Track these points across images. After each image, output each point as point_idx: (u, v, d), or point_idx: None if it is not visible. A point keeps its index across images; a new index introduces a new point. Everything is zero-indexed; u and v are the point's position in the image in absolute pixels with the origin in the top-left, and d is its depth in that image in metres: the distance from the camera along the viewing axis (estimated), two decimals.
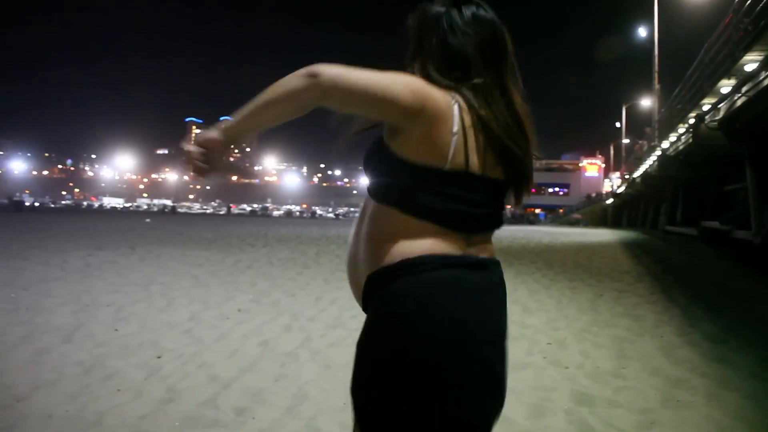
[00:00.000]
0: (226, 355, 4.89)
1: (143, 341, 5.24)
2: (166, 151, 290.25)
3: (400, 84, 1.45)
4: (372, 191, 1.58)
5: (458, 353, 1.38)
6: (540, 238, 25.11)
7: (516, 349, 5.19)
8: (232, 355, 4.86)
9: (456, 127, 1.48)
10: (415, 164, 1.48)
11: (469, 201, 1.51)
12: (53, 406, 3.62)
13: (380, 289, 1.46)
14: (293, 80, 1.40)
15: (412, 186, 1.49)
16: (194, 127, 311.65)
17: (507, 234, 29.59)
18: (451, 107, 1.50)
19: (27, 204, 63.95)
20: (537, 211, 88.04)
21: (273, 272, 10.39)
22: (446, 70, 1.59)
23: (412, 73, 1.62)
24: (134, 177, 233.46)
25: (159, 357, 4.77)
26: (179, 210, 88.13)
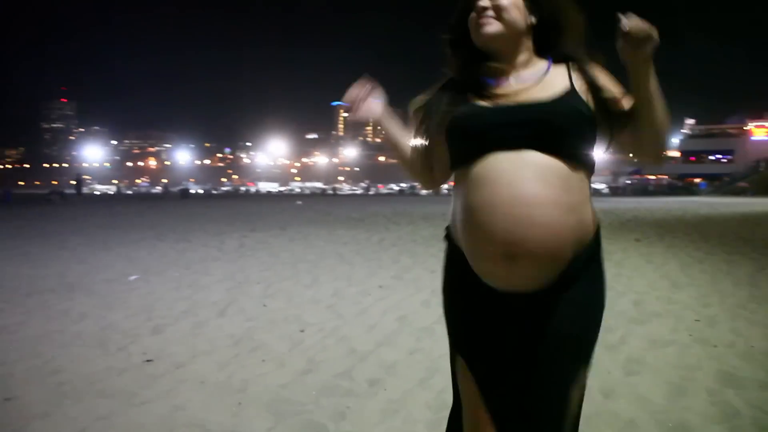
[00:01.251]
0: (364, 329, 5.06)
1: (288, 316, 5.55)
2: (315, 136, 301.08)
3: None
4: (575, 154, 1.64)
5: None
6: (697, 209, 23.58)
7: (659, 326, 4.96)
8: (371, 330, 5.03)
9: None
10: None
11: None
12: (206, 374, 3.94)
13: (600, 245, 1.71)
14: (666, 117, 1.65)
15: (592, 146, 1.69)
16: (341, 110, 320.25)
17: (661, 205, 28.10)
18: None
19: (192, 191, 68.94)
20: (697, 180, 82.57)
21: (416, 249, 10.55)
22: None
23: None
24: (287, 162, 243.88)
25: (302, 331, 5.02)
26: (329, 192, 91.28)
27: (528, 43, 1.76)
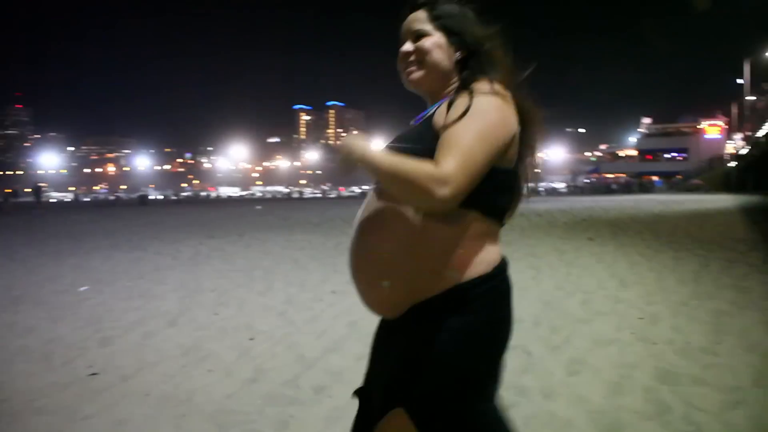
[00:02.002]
0: (314, 335, 5.07)
1: (239, 324, 5.52)
2: (277, 139, 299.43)
3: (501, 127, 1.57)
4: None
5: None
6: (651, 208, 24.01)
7: (604, 325, 5.08)
8: (320, 336, 5.04)
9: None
10: (497, 168, 1.57)
11: (514, 194, 1.72)
12: (152, 385, 3.92)
13: (485, 293, 1.59)
14: (421, 182, 1.43)
15: (490, 188, 1.56)
16: (302, 113, 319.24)
17: (616, 204, 28.56)
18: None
19: (151, 198, 67.97)
20: (653, 178, 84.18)
21: None
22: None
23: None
24: (248, 166, 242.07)
25: (252, 339, 5.01)
26: (294, 196, 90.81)
27: (450, 76, 1.75)
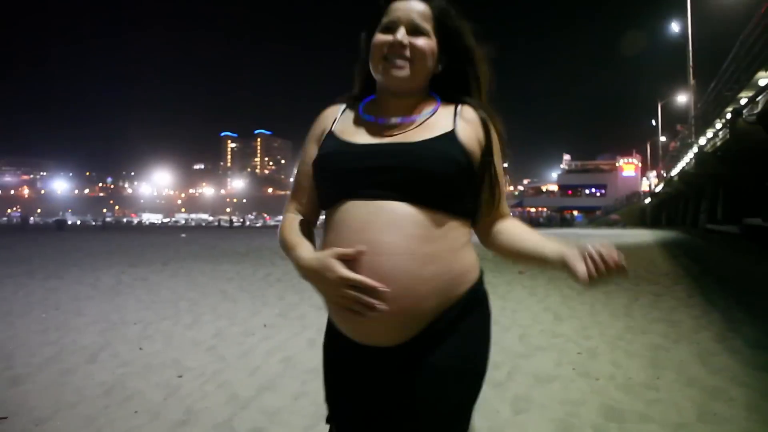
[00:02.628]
0: (247, 372, 4.81)
1: (166, 360, 5.21)
2: (202, 166, 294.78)
3: None
4: (440, 201, 1.52)
5: None
6: (575, 242, 24.67)
7: (545, 360, 5.02)
8: (253, 373, 4.79)
9: None
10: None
11: None
12: (71, 430, 3.59)
13: (482, 299, 1.62)
14: None
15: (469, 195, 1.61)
16: (229, 141, 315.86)
17: None
18: None
19: (69, 223, 65.37)
20: (574, 213, 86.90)
21: (302, 285, 10.19)
22: None
23: None
24: (172, 192, 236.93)
25: (180, 376, 4.72)
26: (225, 224, 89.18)
27: (426, 85, 1.67)
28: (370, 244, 1.44)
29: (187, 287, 10.04)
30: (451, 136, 1.56)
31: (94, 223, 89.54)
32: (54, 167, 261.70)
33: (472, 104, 1.65)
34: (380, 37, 1.60)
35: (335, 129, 1.63)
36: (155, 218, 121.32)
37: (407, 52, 1.57)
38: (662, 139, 63.25)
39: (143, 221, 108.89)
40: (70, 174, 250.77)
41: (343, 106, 1.71)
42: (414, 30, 1.59)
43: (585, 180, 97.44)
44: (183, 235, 35.50)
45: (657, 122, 63.66)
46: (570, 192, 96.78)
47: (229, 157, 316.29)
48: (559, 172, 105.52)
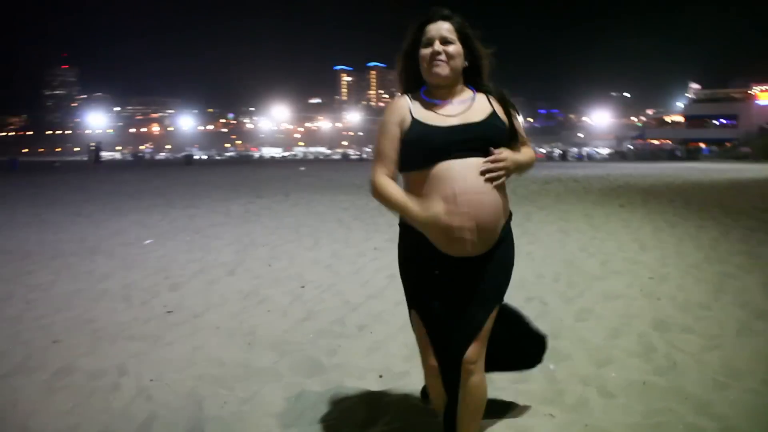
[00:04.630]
0: (358, 285, 5.74)
1: (291, 274, 6.23)
2: (318, 100, 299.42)
3: None
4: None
5: None
6: (689, 176, 24.10)
7: (617, 282, 5.63)
8: (363, 285, 5.71)
9: None
10: None
11: None
12: (220, 321, 4.64)
13: (510, 227, 2.48)
14: (532, 165, 2.55)
15: None
16: (343, 74, 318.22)
17: (656, 171, 28.60)
18: None
19: (196, 157, 69.42)
20: (701, 145, 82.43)
21: None
22: None
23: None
24: (290, 126, 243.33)
25: (303, 286, 5.71)
26: (333, 157, 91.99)
27: (461, 78, 2.43)
28: (472, 185, 2.25)
29: (307, 215, 11.18)
30: (496, 116, 2.37)
31: (218, 158, 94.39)
32: (179, 105, 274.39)
33: (494, 92, 2.45)
34: (424, 51, 2.36)
35: (416, 115, 2.38)
36: (275, 152, 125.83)
37: (444, 57, 2.34)
38: None
39: (263, 155, 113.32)
40: (195, 111, 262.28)
41: (407, 97, 2.46)
42: (445, 41, 2.35)
43: (714, 110, 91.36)
44: (302, 168, 37.23)
45: None
46: (697, 123, 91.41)
47: (344, 90, 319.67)
48: (685, 101, 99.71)
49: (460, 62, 2.37)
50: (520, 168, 2.39)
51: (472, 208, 2.21)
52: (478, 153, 2.28)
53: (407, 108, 2.40)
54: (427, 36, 2.37)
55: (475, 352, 2.34)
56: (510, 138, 2.38)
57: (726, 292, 5.24)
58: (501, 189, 2.32)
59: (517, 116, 2.45)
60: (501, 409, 3.00)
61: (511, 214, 2.45)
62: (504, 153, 2.29)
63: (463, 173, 2.24)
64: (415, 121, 2.36)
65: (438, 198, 2.23)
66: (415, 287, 2.46)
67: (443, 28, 2.36)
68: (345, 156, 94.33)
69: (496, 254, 2.36)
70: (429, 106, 2.40)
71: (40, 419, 3.00)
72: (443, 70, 2.34)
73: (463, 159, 2.26)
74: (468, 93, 2.44)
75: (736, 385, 3.24)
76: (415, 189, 2.33)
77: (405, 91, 2.48)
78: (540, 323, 4.41)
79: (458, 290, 2.35)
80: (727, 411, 2.94)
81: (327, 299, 5.26)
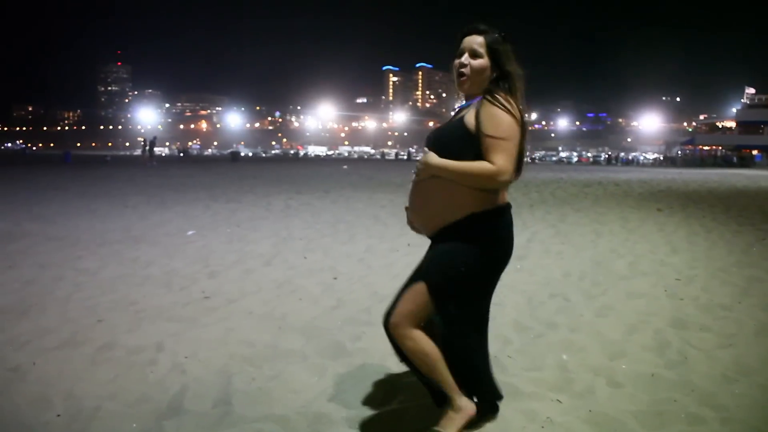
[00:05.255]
0: (388, 278, 5.93)
1: (324, 266, 6.46)
2: (365, 100, 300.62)
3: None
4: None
5: None
6: (735, 183, 23.67)
7: (643, 283, 5.70)
8: (394, 278, 5.88)
9: None
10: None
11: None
12: (253, 307, 4.87)
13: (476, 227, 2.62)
14: (482, 177, 2.42)
15: None
16: (391, 74, 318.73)
17: (701, 177, 28.15)
18: None
19: (242, 154, 70.52)
20: (754, 152, 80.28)
21: None
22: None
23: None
24: (336, 126, 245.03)
25: (335, 278, 5.92)
26: (376, 156, 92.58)
27: (486, 88, 2.56)
28: (413, 177, 2.65)
29: (346, 212, 11.44)
30: (459, 120, 2.54)
31: (264, 155, 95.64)
32: (227, 102, 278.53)
33: (485, 97, 2.52)
34: (455, 61, 2.60)
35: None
36: (320, 150, 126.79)
37: (467, 69, 2.55)
38: None
39: (308, 153, 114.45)
40: (242, 109, 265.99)
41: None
42: (474, 54, 2.55)
43: None
44: (345, 167, 37.58)
45: None
46: (750, 129, 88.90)
47: (390, 90, 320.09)
48: (739, 107, 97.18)
49: (484, 76, 2.55)
50: (445, 173, 2.47)
51: (409, 195, 2.71)
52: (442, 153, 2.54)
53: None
54: (461, 47, 2.59)
55: (397, 312, 2.69)
56: (471, 142, 2.47)
57: (751, 294, 5.28)
58: (440, 185, 2.51)
59: (498, 127, 2.44)
60: (509, 393, 3.15)
61: (486, 214, 2.52)
62: (428, 156, 2.52)
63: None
64: None
65: None
66: None
67: (475, 41, 2.56)
68: (382, 154, 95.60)
69: (442, 242, 2.60)
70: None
71: (83, 387, 3.26)
72: (464, 84, 2.58)
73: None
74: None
75: (744, 381, 3.34)
76: None
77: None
78: (560, 317, 4.60)
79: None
80: (730, 403, 3.04)
81: (357, 290, 5.46)
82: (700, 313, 4.70)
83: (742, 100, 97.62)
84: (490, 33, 2.56)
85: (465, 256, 2.54)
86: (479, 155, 2.44)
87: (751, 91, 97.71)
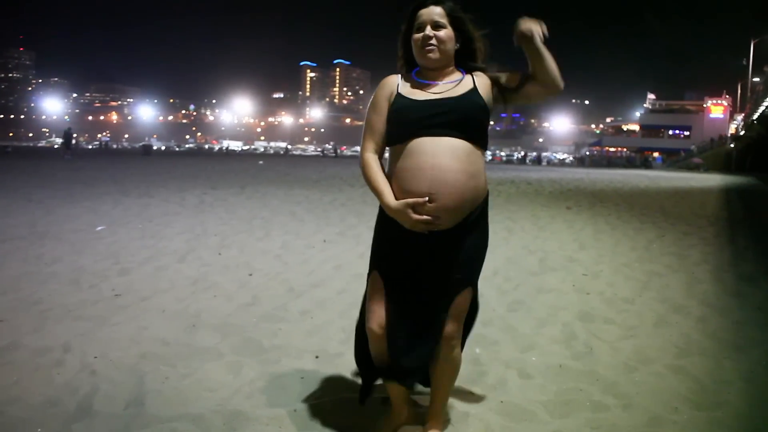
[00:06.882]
0: (304, 274, 5.92)
1: (239, 263, 6.37)
2: (281, 95, 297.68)
3: None
4: (474, 135, 2.48)
5: None
6: (638, 183, 24.84)
7: (552, 278, 5.92)
8: (309, 275, 5.89)
9: None
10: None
11: None
12: (166, 305, 4.76)
13: (487, 206, 2.58)
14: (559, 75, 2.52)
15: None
16: (308, 70, 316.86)
17: (607, 177, 29.39)
18: None
19: (155, 148, 68.53)
20: (655, 154, 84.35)
21: (364, 209, 11.42)
22: None
23: None
24: (252, 120, 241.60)
25: (250, 274, 5.86)
26: (293, 152, 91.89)
27: (452, 60, 2.57)
28: (438, 164, 2.38)
29: (261, 208, 11.31)
30: (474, 91, 2.49)
31: (177, 149, 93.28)
32: (139, 94, 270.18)
33: (481, 70, 2.58)
34: (416, 35, 2.50)
35: (401, 91, 2.53)
36: (235, 145, 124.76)
37: (434, 41, 2.48)
38: (755, 80, 60.44)
39: (224, 148, 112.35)
40: (155, 101, 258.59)
41: (399, 75, 2.61)
42: (436, 25, 2.48)
43: (669, 120, 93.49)
44: (261, 162, 37.15)
45: (748, 62, 60.83)
46: (652, 132, 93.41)
47: (308, 86, 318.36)
48: (641, 111, 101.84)
49: (450, 46, 2.50)
50: (541, 50, 2.42)
51: (434, 186, 2.34)
52: (455, 131, 2.40)
53: (396, 84, 2.55)
54: (419, 20, 2.50)
55: (452, 329, 2.52)
56: (487, 114, 2.50)
57: (651, 288, 5.58)
58: (473, 169, 2.41)
59: (503, 74, 2.57)
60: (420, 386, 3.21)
61: (488, 194, 2.56)
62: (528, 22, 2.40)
63: (433, 150, 2.37)
64: (399, 95, 2.51)
65: (406, 172, 2.40)
66: (381, 252, 2.60)
67: (435, 12, 2.48)
68: (286, 150, 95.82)
69: (467, 235, 2.47)
70: (417, 85, 2.54)
71: None
72: (434, 54, 2.48)
73: (439, 137, 2.39)
74: (457, 74, 2.57)
75: (644, 369, 3.53)
76: (395, 163, 2.47)
77: (400, 72, 2.63)
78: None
79: (428, 263, 2.47)
80: (631, 390, 3.21)
81: (273, 287, 5.42)
82: (605, 306, 4.93)
83: (645, 105, 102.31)
84: (447, 2, 2.52)
85: (485, 242, 2.62)
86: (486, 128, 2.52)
87: (652, 96, 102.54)
